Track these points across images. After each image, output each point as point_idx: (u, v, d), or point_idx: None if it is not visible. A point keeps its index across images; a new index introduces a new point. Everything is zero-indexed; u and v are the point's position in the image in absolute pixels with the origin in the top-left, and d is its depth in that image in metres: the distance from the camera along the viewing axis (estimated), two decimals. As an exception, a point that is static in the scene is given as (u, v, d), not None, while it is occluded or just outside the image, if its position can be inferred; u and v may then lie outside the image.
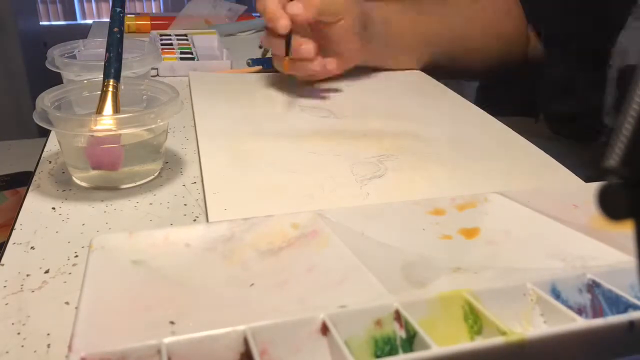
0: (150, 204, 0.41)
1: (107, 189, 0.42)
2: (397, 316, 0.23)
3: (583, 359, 0.23)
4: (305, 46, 0.58)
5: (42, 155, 0.48)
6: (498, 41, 0.71)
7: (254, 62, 0.78)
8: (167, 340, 0.21)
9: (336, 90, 0.64)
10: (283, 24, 0.57)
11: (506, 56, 0.72)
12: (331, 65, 0.62)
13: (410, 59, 0.70)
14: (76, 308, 0.23)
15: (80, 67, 0.53)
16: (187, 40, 0.88)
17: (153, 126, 0.41)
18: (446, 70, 0.72)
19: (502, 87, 0.89)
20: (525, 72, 0.76)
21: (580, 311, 0.25)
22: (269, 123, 0.55)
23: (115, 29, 0.44)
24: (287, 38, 0.58)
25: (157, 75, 0.73)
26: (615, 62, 0.60)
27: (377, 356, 0.23)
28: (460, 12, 0.71)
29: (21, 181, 1.45)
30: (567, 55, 0.67)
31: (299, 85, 0.64)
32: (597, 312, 0.25)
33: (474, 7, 0.71)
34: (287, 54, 0.59)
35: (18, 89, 2.12)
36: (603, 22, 0.60)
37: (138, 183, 0.43)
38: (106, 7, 3.07)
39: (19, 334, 0.28)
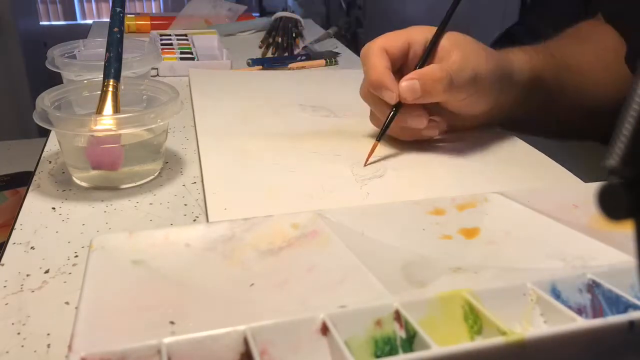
0: (151, 204, 0.41)
1: (107, 189, 0.42)
2: (397, 316, 0.23)
3: (583, 359, 0.23)
4: (418, 120, 0.47)
5: (42, 155, 0.48)
6: (610, 82, 0.59)
7: (254, 62, 0.78)
8: (167, 340, 0.21)
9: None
10: (390, 97, 0.46)
11: (618, 98, 0.58)
12: (442, 126, 0.50)
13: (526, 108, 0.55)
14: (76, 308, 0.23)
15: (80, 67, 0.53)
16: (187, 40, 0.88)
17: (153, 126, 0.41)
18: (552, 116, 0.59)
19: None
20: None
21: (580, 311, 0.25)
22: (269, 123, 0.55)
23: (115, 29, 0.44)
24: (393, 107, 0.47)
25: (157, 75, 0.73)
26: None
27: (377, 356, 0.23)
28: (570, 54, 0.58)
29: (21, 181, 1.45)
30: None
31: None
32: (597, 312, 0.25)
33: (580, 48, 0.59)
34: (386, 126, 0.47)
35: (18, 89, 2.12)
36: None
37: (138, 183, 0.43)
38: (106, 7, 3.07)
39: (19, 334, 0.28)
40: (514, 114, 0.54)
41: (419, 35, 0.48)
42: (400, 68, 0.48)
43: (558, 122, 0.59)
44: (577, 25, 0.63)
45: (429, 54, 0.47)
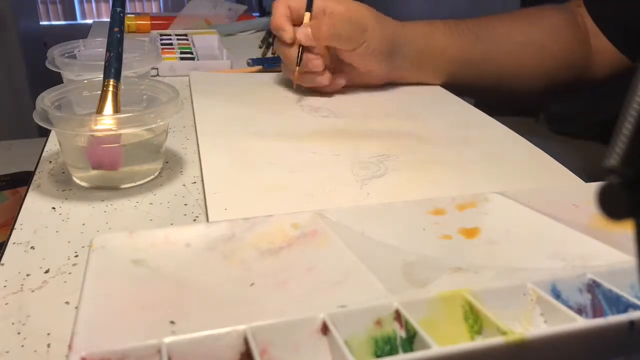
0: (151, 203, 0.41)
1: (107, 189, 0.42)
2: (397, 316, 0.23)
3: (583, 359, 0.23)
4: (314, 61, 0.59)
5: (42, 155, 0.48)
6: (551, 62, 0.66)
7: (254, 62, 0.78)
8: (168, 339, 0.21)
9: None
10: (287, 36, 0.58)
11: (559, 76, 0.67)
12: (340, 80, 0.62)
13: (434, 77, 0.67)
14: (76, 308, 0.23)
15: (81, 67, 0.53)
16: (187, 40, 0.88)
17: (153, 126, 0.41)
18: (471, 89, 0.68)
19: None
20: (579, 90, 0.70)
21: (580, 311, 0.25)
22: (269, 123, 0.55)
23: (116, 29, 0.44)
24: (300, 48, 0.59)
25: (157, 75, 0.73)
26: None
27: (377, 356, 0.23)
28: (497, 30, 0.66)
29: (21, 181, 1.45)
30: None
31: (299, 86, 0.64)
32: (597, 312, 0.25)
33: (513, 24, 0.67)
34: (298, 63, 0.59)
35: (18, 89, 2.12)
36: None
37: (138, 183, 0.43)
38: (106, 7, 3.07)
39: (19, 333, 0.28)
40: (420, 78, 0.66)
41: (320, 2, 0.60)
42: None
43: (478, 87, 0.67)
44: (533, 7, 0.69)
45: (309, 7, 0.60)
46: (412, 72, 0.65)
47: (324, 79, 0.60)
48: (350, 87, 0.64)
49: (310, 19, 0.60)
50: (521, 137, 0.52)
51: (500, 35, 0.65)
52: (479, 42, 0.65)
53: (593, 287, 0.25)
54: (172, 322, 0.22)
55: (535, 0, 0.69)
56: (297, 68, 0.59)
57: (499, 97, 0.72)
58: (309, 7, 0.60)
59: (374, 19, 0.60)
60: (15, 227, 0.37)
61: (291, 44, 0.59)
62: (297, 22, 0.60)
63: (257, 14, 1.82)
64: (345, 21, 0.58)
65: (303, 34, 0.58)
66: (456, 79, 0.66)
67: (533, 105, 0.79)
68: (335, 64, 0.62)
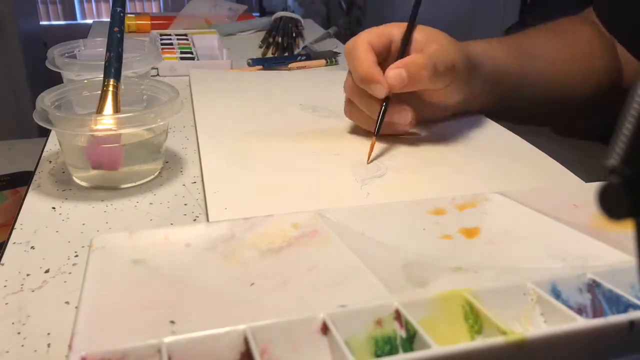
0: (151, 203, 0.41)
1: (107, 189, 0.42)
2: (398, 316, 0.23)
3: (583, 359, 0.23)
4: (405, 114, 0.48)
5: (42, 155, 0.48)
6: (597, 76, 0.62)
7: (254, 62, 0.78)
8: (168, 339, 0.21)
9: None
10: (380, 91, 0.46)
11: (603, 88, 0.63)
12: (417, 120, 0.50)
13: (495, 99, 0.58)
14: (76, 307, 0.23)
15: (81, 66, 0.53)
16: (187, 40, 0.88)
17: (153, 126, 0.41)
18: (520, 108, 0.61)
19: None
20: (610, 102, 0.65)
21: (580, 311, 0.25)
22: (269, 123, 0.55)
23: (116, 29, 0.44)
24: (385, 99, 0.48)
25: (157, 75, 0.73)
26: None
27: (377, 356, 0.23)
28: (543, 47, 0.61)
29: (21, 181, 1.45)
30: None
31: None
32: (597, 312, 0.25)
33: (555, 41, 0.62)
34: (380, 117, 0.48)
35: (18, 89, 2.12)
36: None
37: (138, 183, 0.43)
38: (106, 7, 3.07)
39: (19, 333, 0.28)
40: (481, 104, 0.57)
41: (399, 30, 0.50)
42: (381, 63, 0.48)
43: (526, 109, 0.61)
44: (558, 20, 0.66)
45: (405, 44, 0.49)
46: (483, 95, 0.56)
47: (409, 127, 0.50)
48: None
49: (388, 53, 0.50)
50: (521, 138, 0.52)
51: (546, 52, 0.60)
52: (531, 58, 0.59)
53: (593, 287, 0.25)
54: (172, 322, 0.22)
55: (537, 2, 0.69)
56: (374, 139, 0.48)
57: (547, 117, 0.66)
58: (405, 41, 0.49)
59: (454, 43, 0.50)
60: (15, 227, 0.37)
61: (384, 100, 0.48)
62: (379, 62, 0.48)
63: (257, 14, 1.82)
64: (438, 55, 0.47)
65: (397, 77, 0.46)
66: (510, 99, 0.59)
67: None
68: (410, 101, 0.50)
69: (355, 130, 0.53)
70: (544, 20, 0.64)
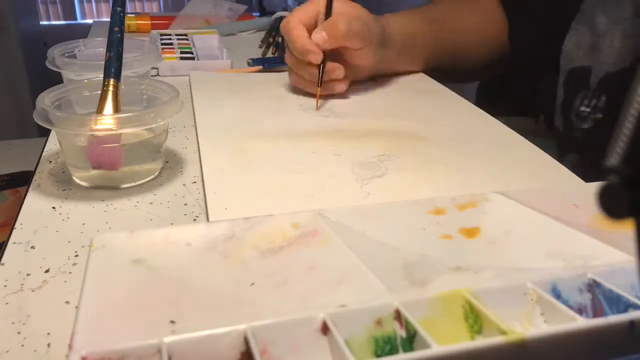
0: (151, 203, 0.41)
1: (107, 189, 0.42)
2: (398, 315, 0.23)
3: (583, 359, 0.23)
4: (337, 71, 0.60)
5: (42, 155, 0.48)
6: (483, 47, 0.74)
7: (254, 61, 0.78)
8: (168, 339, 0.21)
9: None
10: (316, 58, 0.58)
11: (489, 61, 0.75)
12: (347, 83, 0.63)
13: (417, 65, 0.72)
14: (76, 307, 0.23)
15: (81, 66, 0.53)
16: (187, 39, 0.88)
17: (153, 126, 0.41)
18: (443, 73, 0.74)
19: (502, 88, 0.90)
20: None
21: (580, 311, 0.25)
22: (269, 123, 0.55)
23: (116, 29, 0.44)
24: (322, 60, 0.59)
25: (158, 74, 0.73)
26: (563, 64, 0.63)
27: (378, 355, 0.23)
28: (456, 19, 0.74)
29: (21, 181, 1.45)
30: (528, 61, 0.73)
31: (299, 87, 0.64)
32: (597, 312, 0.25)
33: (464, 14, 0.75)
34: (321, 74, 0.59)
35: (18, 89, 2.12)
36: (551, 28, 0.65)
37: (138, 182, 0.43)
38: (106, 7, 3.07)
39: (19, 333, 0.28)
40: (398, 65, 0.70)
41: (323, 4, 0.61)
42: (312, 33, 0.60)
43: (443, 69, 0.74)
44: None
45: (328, 13, 0.61)
46: (396, 61, 0.69)
47: (343, 86, 0.62)
48: (350, 87, 0.65)
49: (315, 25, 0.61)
50: (521, 137, 0.52)
51: (450, 23, 0.73)
52: (443, 29, 0.71)
53: (593, 286, 0.25)
54: (172, 322, 0.22)
55: None
56: (321, 76, 0.59)
57: (455, 76, 0.79)
58: (328, 13, 0.60)
59: (369, 14, 0.63)
60: (15, 226, 0.37)
61: (320, 63, 0.59)
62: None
63: (257, 14, 1.82)
64: (355, 19, 0.59)
65: (321, 38, 0.58)
66: (429, 65, 0.72)
67: (533, 105, 0.83)
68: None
69: (356, 131, 0.53)
70: (530, 14, 0.71)
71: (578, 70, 0.60)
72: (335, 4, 0.61)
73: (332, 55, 0.61)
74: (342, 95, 0.63)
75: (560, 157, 0.60)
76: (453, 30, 0.73)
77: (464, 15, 0.75)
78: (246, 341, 0.22)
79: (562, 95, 0.63)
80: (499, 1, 0.74)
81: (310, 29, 0.60)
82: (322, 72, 0.59)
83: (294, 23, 0.60)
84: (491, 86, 0.93)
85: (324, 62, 0.59)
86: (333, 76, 0.60)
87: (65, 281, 0.32)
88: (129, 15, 1.00)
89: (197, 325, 0.22)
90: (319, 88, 0.59)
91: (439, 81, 0.70)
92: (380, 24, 0.63)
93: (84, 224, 0.38)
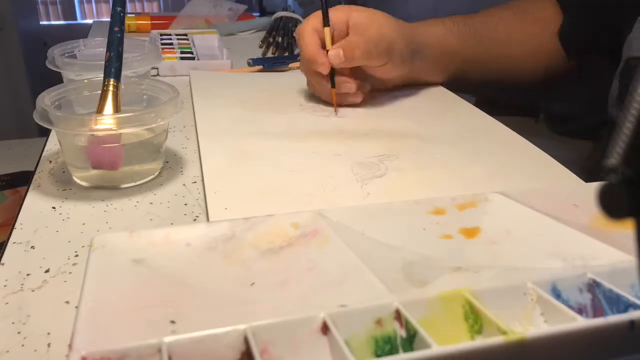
0: (151, 203, 0.41)
1: (107, 189, 0.42)
2: (398, 315, 0.23)
3: (583, 359, 0.23)
4: (347, 85, 0.57)
5: (42, 155, 0.48)
6: (535, 56, 0.67)
7: (254, 61, 0.78)
8: (168, 339, 0.21)
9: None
10: (323, 68, 0.56)
11: (543, 71, 0.68)
12: (365, 91, 0.61)
13: (444, 76, 0.67)
14: (76, 307, 0.23)
15: (81, 66, 0.53)
16: (187, 39, 0.88)
17: (153, 125, 0.41)
18: (470, 85, 0.69)
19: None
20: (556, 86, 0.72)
21: (580, 311, 0.25)
22: (269, 122, 0.55)
23: (116, 29, 0.44)
24: (331, 71, 0.57)
25: (158, 74, 0.73)
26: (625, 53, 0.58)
27: (378, 355, 0.23)
28: (500, 30, 0.67)
29: (21, 181, 1.45)
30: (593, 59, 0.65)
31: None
32: (597, 312, 0.25)
33: (511, 25, 0.67)
34: (333, 86, 0.57)
35: (18, 88, 2.12)
36: (619, 22, 0.58)
37: (138, 182, 0.43)
38: (106, 7, 3.07)
39: (19, 333, 0.28)
40: (426, 79, 0.66)
41: (340, 14, 0.58)
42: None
43: (476, 86, 0.70)
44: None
45: (326, 21, 0.57)
46: (427, 73, 0.65)
47: (357, 98, 0.59)
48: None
49: (332, 35, 0.57)
50: (521, 137, 0.52)
51: (501, 34, 0.66)
52: (484, 41, 0.65)
53: (593, 286, 0.25)
54: (172, 322, 0.22)
55: None
56: (334, 91, 0.57)
57: (498, 94, 0.73)
58: (326, 23, 0.58)
59: (396, 27, 0.58)
60: (15, 226, 0.37)
61: (327, 75, 0.57)
62: (323, 43, 0.58)
63: (257, 14, 1.82)
64: (374, 39, 0.56)
65: (335, 56, 0.55)
66: (461, 76, 0.67)
67: (533, 105, 0.80)
68: (356, 75, 0.60)
69: (356, 130, 0.53)
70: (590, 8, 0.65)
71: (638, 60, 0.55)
72: (355, 14, 0.58)
73: (346, 71, 0.58)
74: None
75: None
76: (498, 43, 0.66)
77: (510, 26, 0.67)
78: (246, 341, 0.22)
79: (619, 85, 0.57)
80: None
81: (323, 38, 0.57)
82: (332, 80, 0.57)
83: (307, 29, 0.57)
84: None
85: (333, 72, 0.57)
86: (343, 90, 0.58)
87: (65, 281, 0.32)
88: (129, 15, 1.00)
89: (197, 325, 0.22)
90: (334, 89, 0.57)
91: (462, 93, 0.65)
92: (409, 35, 0.59)
93: (84, 224, 0.38)
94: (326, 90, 0.58)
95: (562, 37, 0.66)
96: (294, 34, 0.96)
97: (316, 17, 0.58)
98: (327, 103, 0.60)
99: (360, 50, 0.55)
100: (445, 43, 0.63)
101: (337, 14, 0.58)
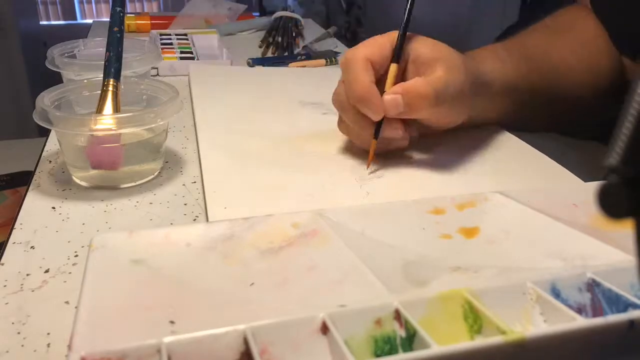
0: (151, 203, 0.41)
1: (107, 189, 0.42)
2: (397, 315, 0.23)
3: (583, 358, 0.23)
4: (396, 131, 0.45)
5: (42, 155, 0.48)
6: (600, 73, 0.60)
7: (254, 61, 0.78)
8: (167, 339, 0.21)
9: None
10: (375, 113, 0.43)
11: (605, 86, 0.60)
12: (413, 134, 0.48)
13: (498, 115, 0.55)
14: (76, 307, 0.23)
15: (80, 66, 0.53)
16: (187, 39, 0.88)
17: (153, 125, 0.41)
18: (529, 122, 0.58)
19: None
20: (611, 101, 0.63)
21: (580, 310, 0.25)
22: (269, 122, 0.55)
23: (116, 29, 0.44)
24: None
25: (157, 74, 0.73)
26: None
27: (377, 355, 0.23)
28: (553, 52, 0.58)
29: (21, 181, 1.45)
30: None
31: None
32: (597, 311, 0.25)
33: (561, 45, 0.59)
34: (376, 137, 0.45)
35: (18, 89, 2.12)
36: None
37: (138, 182, 0.43)
38: (106, 8, 3.07)
39: (19, 333, 0.28)
40: (488, 118, 0.54)
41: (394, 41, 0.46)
42: (379, 79, 0.45)
43: (533, 118, 0.58)
44: (557, 13, 0.63)
45: (398, 56, 0.45)
46: (485, 113, 0.53)
47: (404, 142, 0.47)
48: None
49: (396, 71, 0.45)
50: (520, 138, 0.52)
51: (555, 59, 0.58)
52: (541, 72, 0.56)
53: (593, 286, 0.25)
54: (171, 322, 0.22)
55: (538, 2, 0.68)
56: (374, 143, 0.45)
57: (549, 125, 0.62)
58: (396, 58, 0.45)
59: (462, 66, 0.46)
60: (15, 226, 0.37)
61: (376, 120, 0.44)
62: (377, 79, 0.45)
63: (257, 14, 1.82)
64: (442, 82, 0.43)
65: (393, 105, 0.43)
66: (519, 114, 0.56)
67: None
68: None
69: (355, 130, 0.53)
70: (543, 19, 0.62)
71: None
72: (414, 45, 0.45)
73: None
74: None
75: None
76: (553, 68, 0.57)
77: (563, 47, 0.59)
78: (246, 341, 0.22)
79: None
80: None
81: (380, 70, 0.45)
82: (377, 131, 0.44)
83: (360, 60, 0.44)
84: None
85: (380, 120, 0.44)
86: (387, 135, 0.45)
87: (65, 281, 0.32)
88: (129, 15, 1.00)
89: (196, 325, 0.22)
90: (375, 141, 0.44)
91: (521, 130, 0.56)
92: (473, 75, 0.47)
93: (83, 224, 0.38)
94: (366, 139, 0.46)
95: (618, 43, 0.59)
96: (294, 34, 0.96)
97: (373, 45, 0.45)
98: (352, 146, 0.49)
99: (428, 101, 0.43)
100: (506, 76, 0.52)
101: (391, 39, 0.45)
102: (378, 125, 0.44)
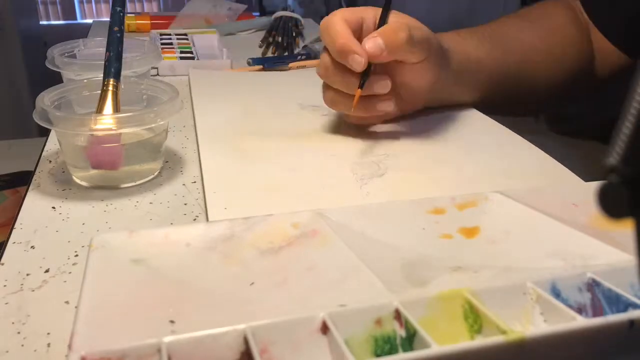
0: (151, 203, 0.41)
1: (107, 188, 0.42)
2: (397, 315, 0.23)
3: (583, 358, 0.23)
4: (382, 82, 0.48)
5: (42, 155, 0.48)
6: (561, 65, 0.63)
7: (254, 61, 0.78)
8: (167, 339, 0.21)
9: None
10: (359, 61, 0.45)
11: (569, 78, 0.63)
12: (393, 107, 0.51)
13: (470, 94, 0.59)
14: (76, 307, 0.23)
15: (80, 66, 0.53)
16: (187, 39, 0.88)
17: (153, 125, 0.41)
18: (499, 105, 0.62)
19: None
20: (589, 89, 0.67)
21: (580, 310, 0.25)
22: (269, 122, 0.55)
23: (116, 28, 0.44)
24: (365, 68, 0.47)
25: (157, 74, 0.73)
26: None
27: (377, 355, 0.23)
28: (524, 38, 0.62)
29: (21, 180, 1.45)
30: None
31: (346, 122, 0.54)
32: (597, 311, 0.25)
33: (532, 32, 0.62)
34: (361, 85, 0.47)
35: (18, 88, 2.12)
36: None
37: (138, 182, 0.43)
38: (106, 7, 3.07)
39: (19, 333, 0.28)
40: (454, 94, 0.57)
41: (370, 12, 0.50)
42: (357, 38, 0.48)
43: (501, 100, 0.61)
44: (532, 5, 0.66)
45: (383, 23, 0.49)
46: (452, 89, 0.56)
47: (389, 104, 0.49)
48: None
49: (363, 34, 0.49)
50: (521, 137, 0.52)
51: (516, 43, 0.61)
52: (507, 53, 0.59)
53: (593, 286, 0.25)
54: (171, 322, 0.22)
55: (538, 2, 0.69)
56: (359, 92, 0.47)
57: (513, 107, 0.66)
58: (383, 21, 0.49)
59: (429, 30, 0.50)
60: (15, 226, 0.37)
61: (361, 71, 0.46)
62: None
63: (257, 14, 1.82)
64: (413, 25, 0.47)
65: (375, 46, 0.45)
66: (488, 94, 0.59)
67: (534, 107, 0.77)
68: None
69: (356, 130, 0.53)
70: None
71: None
72: (389, 17, 0.49)
73: (380, 70, 0.48)
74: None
75: None
76: (521, 51, 0.60)
77: (532, 33, 0.62)
78: (246, 341, 0.22)
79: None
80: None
81: (355, 32, 0.48)
82: (366, 73, 0.47)
83: (337, 19, 0.47)
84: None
85: (368, 71, 0.47)
86: (376, 89, 0.48)
87: (65, 281, 0.32)
88: (129, 15, 1.00)
89: (196, 325, 0.22)
90: (359, 91, 0.46)
91: (493, 115, 0.58)
92: (435, 37, 0.51)
93: (83, 223, 0.38)
94: (351, 90, 0.48)
95: (611, 35, 0.62)
96: (294, 34, 0.96)
97: (346, 10, 0.49)
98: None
99: (403, 33, 0.45)
100: (467, 52, 0.56)
101: (367, 11, 0.50)
102: (363, 76, 0.47)
